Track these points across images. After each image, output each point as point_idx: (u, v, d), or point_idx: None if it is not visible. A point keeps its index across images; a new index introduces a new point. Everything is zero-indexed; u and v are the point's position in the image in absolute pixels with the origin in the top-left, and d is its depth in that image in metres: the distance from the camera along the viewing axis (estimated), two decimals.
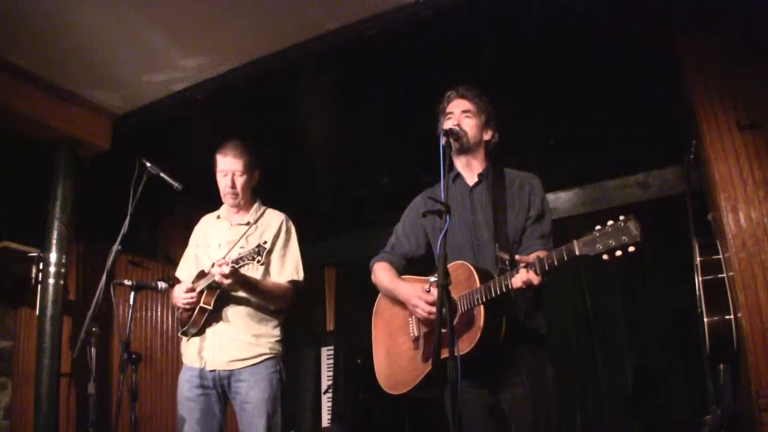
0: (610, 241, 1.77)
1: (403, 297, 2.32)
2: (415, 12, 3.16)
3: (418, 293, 2.21)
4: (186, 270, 3.01)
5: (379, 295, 2.53)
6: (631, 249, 1.75)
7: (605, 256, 1.79)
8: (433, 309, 2.13)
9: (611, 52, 3.49)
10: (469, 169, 2.43)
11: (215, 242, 2.94)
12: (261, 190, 3.03)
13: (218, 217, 3.02)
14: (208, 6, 3.14)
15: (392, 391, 2.35)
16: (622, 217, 1.77)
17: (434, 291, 1.98)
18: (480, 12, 3.18)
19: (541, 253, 2.03)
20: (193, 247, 3.03)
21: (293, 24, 3.31)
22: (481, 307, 2.05)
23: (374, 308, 2.55)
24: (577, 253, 1.85)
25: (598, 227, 1.81)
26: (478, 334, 2.03)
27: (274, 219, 2.97)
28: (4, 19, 3.10)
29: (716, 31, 3.20)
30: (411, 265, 2.52)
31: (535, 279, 1.95)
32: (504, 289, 2.01)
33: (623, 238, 1.75)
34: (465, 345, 2.04)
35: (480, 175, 2.41)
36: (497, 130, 2.47)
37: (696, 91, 3.20)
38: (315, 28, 3.34)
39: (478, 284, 2.08)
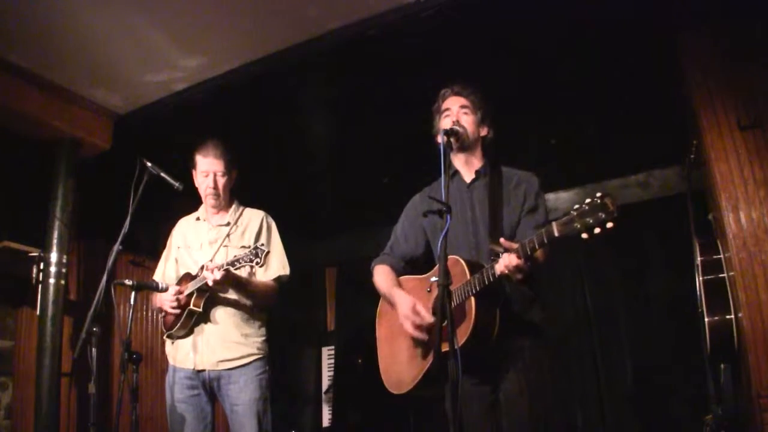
0: (588, 219, 1.76)
1: (396, 307, 2.33)
2: (415, 12, 3.16)
3: (407, 310, 2.23)
4: (163, 272, 3.02)
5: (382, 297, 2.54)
6: (609, 225, 1.73)
7: (584, 235, 1.77)
8: (417, 333, 2.20)
9: (612, 51, 3.49)
10: (467, 166, 2.45)
11: (196, 243, 2.95)
12: (257, 190, 3.02)
13: (198, 218, 3.03)
14: (208, 6, 3.14)
15: (395, 391, 2.37)
16: (598, 194, 1.76)
17: (434, 290, 1.98)
18: (480, 12, 3.18)
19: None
20: (173, 250, 3.03)
21: (293, 24, 3.31)
22: (473, 299, 2.06)
23: (378, 310, 2.56)
24: (557, 234, 1.84)
25: (575, 206, 1.80)
26: (470, 327, 2.04)
27: (254, 217, 2.98)
28: (4, 19, 3.10)
29: (717, 30, 3.20)
30: (411, 266, 2.52)
31: (516, 261, 1.93)
32: (492, 279, 2.01)
33: (600, 214, 1.74)
34: (458, 338, 2.03)
35: (477, 172, 2.42)
36: (493, 127, 2.48)
37: (697, 91, 3.20)
38: (315, 28, 3.34)
39: (468, 276, 2.09)
